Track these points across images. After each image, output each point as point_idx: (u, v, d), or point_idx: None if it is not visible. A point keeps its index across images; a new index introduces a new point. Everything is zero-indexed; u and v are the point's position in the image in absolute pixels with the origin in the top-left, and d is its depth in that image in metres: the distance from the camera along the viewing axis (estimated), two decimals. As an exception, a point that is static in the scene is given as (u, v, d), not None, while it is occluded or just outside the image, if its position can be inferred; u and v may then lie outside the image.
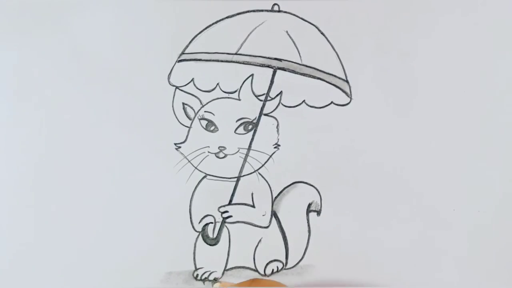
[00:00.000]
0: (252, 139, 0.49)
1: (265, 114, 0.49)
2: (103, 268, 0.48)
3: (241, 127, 0.49)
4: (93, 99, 0.49)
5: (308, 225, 0.49)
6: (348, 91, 0.50)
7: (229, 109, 0.49)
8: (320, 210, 0.50)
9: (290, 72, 0.49)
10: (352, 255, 0.49)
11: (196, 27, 0.49)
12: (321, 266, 0.49)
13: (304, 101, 0.49)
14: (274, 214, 0.50)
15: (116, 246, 0.48)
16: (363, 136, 0.50)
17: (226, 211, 0.49)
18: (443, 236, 0.50)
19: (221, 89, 0.49)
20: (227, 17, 0.49)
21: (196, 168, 0.49)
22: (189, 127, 0.49)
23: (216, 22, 0.49)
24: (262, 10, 0.50)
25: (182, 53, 0.49)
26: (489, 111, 0.50)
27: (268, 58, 0.49)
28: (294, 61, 0.49)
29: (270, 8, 0.50)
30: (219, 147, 0.49)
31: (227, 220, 0.49)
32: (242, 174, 0.49)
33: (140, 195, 0.49)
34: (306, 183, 0.50)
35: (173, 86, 0.49)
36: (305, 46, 0.49)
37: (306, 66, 0.49)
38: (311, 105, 0.49)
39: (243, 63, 0.49)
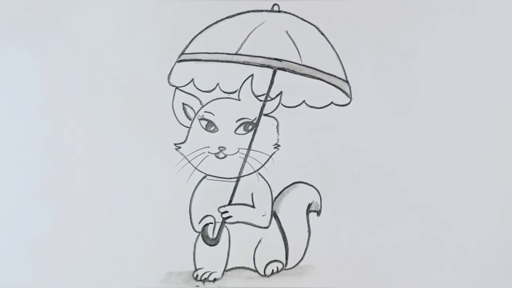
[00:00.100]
0: (252, 139, 0.49)
1: (265, 114, 0.49)
2: (104, 268, 0.48)
3: (241, 127, 0.49)
4: (93, 99, 0.49)
5: (308, 225, 0.49)
6: (348, 91, 0.50)
7: (229, 109, 0.49)
8: (320, 210, 0.50)
9: (290, 72, 0.49)
10: (352, 255, 0.49)
11: (196, 27, 0.49)
12: (321, 266, 0.49)
13: (304, 101, 0.49)
14: (274, 214, 0.49)
15: (116, 246, 0.48)
16: (363, 136, 0.50)
17: (226, 212, 0.49)
18: (443, 236, 0.50)
19: (221, 89, 0.49)
20: (227, 17, 0.49)
21: (196, 168, 0.49)
22: (189, 127, 0.49)
23: (216, 22, 0.49)
24: (262, 10, 0.50)
25: (182, 53, 0.49)
26: (489, 111, 0.50)
27: (268, 58, 0.49)
28: (294, 61, 0.49)
29: (270, 8, 0.50)
30: (219, 147, 0.49)
31: (227, 221, 0.49)
32: (242, 175, 0.49)
33: (140, 195, 0.49)
34: (306, 183, 0.50)
35: (173, 86, 0.49)
36: (305, 46, 0.49)
37: (306, 66, 0.49)
38: (311, 105, 0.49)
39: (243, 63, 0.49)
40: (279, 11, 0.50)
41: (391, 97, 0.50)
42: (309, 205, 0.50)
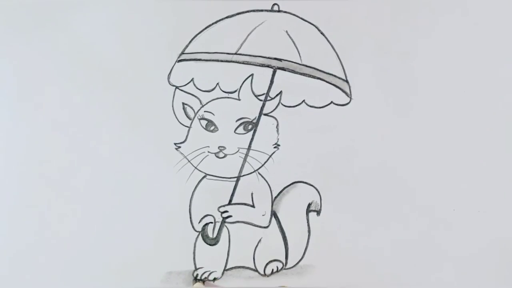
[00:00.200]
0: (252, 139, 0.49)
1: (265, 114, 0.49)
2: (104, 268, 0.48)
3: (241, 127, 0.49)
4: (93, 99, 0.49)
5: (308, 225, 0.49)
6: (348, 91, 0.50)
7: (229, 109, 0.49)
8: (320, 210, 0.50)
9: (290, 72, 0.49)
10: (352, 255, 0.49)
11: (196, 27, 0.49)
12: (321, 266, 0.49)
13: (304, 101, 0.49)
14: (274, 214, 0.49)
15: (117, 246, 0.48)
16: (363, 136, 0.50)
17: (226, 211, 0.49)
18: (443, 236, 0.50)
19: (221, 89, 0.49)
20: (227, 17, 0.49)
21: (196, 168, 0.49)
22: (189, 127, 0.49)
23: (216, 22, 0.49)
24: (262, 10, 0.50)
25: (182, 53, 0.49)
26: (489, 111, 0.50)
27: (268, 58, 0.49)
28: (294, 61, 0.49)
29: (270, 8, 0.50)
30: (219, 147, 0.49)
31: (227, 220, 0.49)
32: (242, 174, 0.49)
33: (140, 195, 0.49)
34: (306, 183, 0.50)
35: (173, 86, 0.49)
36: (305, 46, 0.49)
37: (306, 66, 0.49)
38: (311, 105, 0.49)
39: (243, 63, 0.49)
40: (279, 11, 0.50)
41: (391, 97, 0.50)
42: (309, 205, 0.50)
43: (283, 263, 0.49)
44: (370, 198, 0.50)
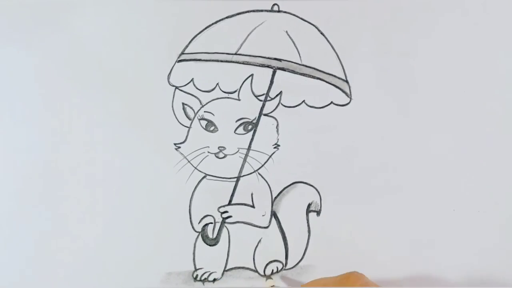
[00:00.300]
0: (252, 139, 0.49)
1: (265, 114, 0.49)
2: (103, 268, 0.48)
3: (241, 127, 0.49)
4: (92, 99, 0.49)
5: (308, 225, 0.49)
6: (348, 91, 0.50)
7: (229, 109, 0.49)
8: (320, 210, 0.50)
9: (290, 72, 0.49)
10: (351, 255, 0.49)
11: (196, 27, 0.49)
12: (321, 266, 0.49)
13: (304, 101, 0.49)
14: (274, 214, 0.49)
15: (116, 246, 0.48)
16: (363, 136, 0.50)
17: (226, 211, 0.49)
18: (443, 236, 0.50)
19: (220, 89, 0.49)
20: (227, 17, 0.49)
21: (196, 168, 0.49)
22: (189, 127, 0.49)
23: (216, 22, 0.49)
24: (262, 10, 0.50)
25: (182, 53, 0.49)
26: (489, 111, 0.50)
27: (268, 58, 0.49)
28: (294, 61, 0.49)
29: (270, 8, 0.50)
30: (218, 147, 0.49)
31: (227, 220, 0.49)
32: (241, 174, 0.49)
33: (140, 195, 0.49)
34: (306, 183, 0.50)
35: (173, 86, 0.49)
36: (305, 46, 0.49)
37: (306, 66, 0.49)
38: (311, 105, 0.49)
39: (243, 63, 0.49)
40: (279, 11, 0.50)
41: (391, 97, 0.50)
42: (309, 205, 0.50)
43: (283, 264, 0.49)
44: (370, 198, 0.50)
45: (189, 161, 0.49)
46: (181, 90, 0.49)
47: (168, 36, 0.49)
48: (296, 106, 0.49)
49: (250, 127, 0.49)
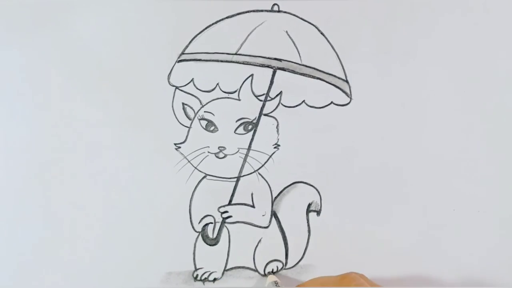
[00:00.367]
0: (252, 139, 0.49)
1: (265, 114, 0.49)
2: (103, 268, 0.48)
3: (241, 127, 0.49)
4: (92, 99, 0.49)
5: (308, 225, 0.49)
6: (348, 91, 0.50)
7: (229, 109, 0.49)
8: (320, 210, 0.50)
9: (290, 72, 0.49)
10: (352, 255, 0.49)
11: (196, 27, 0.49)
12: (321, 266, 0.49)
13: (304, 101, 0.49)
14: (274, 214, 0.49)
15: (116, 246, 0.48)
16: (363, 136, 0.50)
17: (226, 211, 0.49)
18: (443, 236, 0.50)
19: (221, 89, 0.49)
20: (227, 17, 0.49)
21: (196, 168, 0.49)
22: (189, 127, 0.49)
23: (216, 22, 0.49)
24: (262, 10, 0.50)
25: (182, 53, 0.49)
26: (489, 111, 0.50)
27: (268, 58, 0.49)
28: (294, 61, 0.49)
29: (270, 8, 0.50)
30: (219, 147, 0.49)
31: (227, 220, 0.49)
32: (242, 174, 0.49)
33: (140, 195, 0.49)
34: (306, 183, 0.50)
35: (173, 86, 0.49)
36: (305, 46, 0.49)
37: (306, 66, 0.49)
38: (311, 105, 0.49)
39: (243, 63, 0.49)
40: (279, 11, 0.50)
41: (391, 97, 0.50)
42: (309, 205, 0.50)
43: (283, 263, 0.49)
44: (370, 198, 0.50)
45: (189, 161, 0.49)
46: (181, 90, 0.49)
47: (168, 36, 0.49)
48: (296, 106, 0.49)
49: (250, 127, 0.49)
